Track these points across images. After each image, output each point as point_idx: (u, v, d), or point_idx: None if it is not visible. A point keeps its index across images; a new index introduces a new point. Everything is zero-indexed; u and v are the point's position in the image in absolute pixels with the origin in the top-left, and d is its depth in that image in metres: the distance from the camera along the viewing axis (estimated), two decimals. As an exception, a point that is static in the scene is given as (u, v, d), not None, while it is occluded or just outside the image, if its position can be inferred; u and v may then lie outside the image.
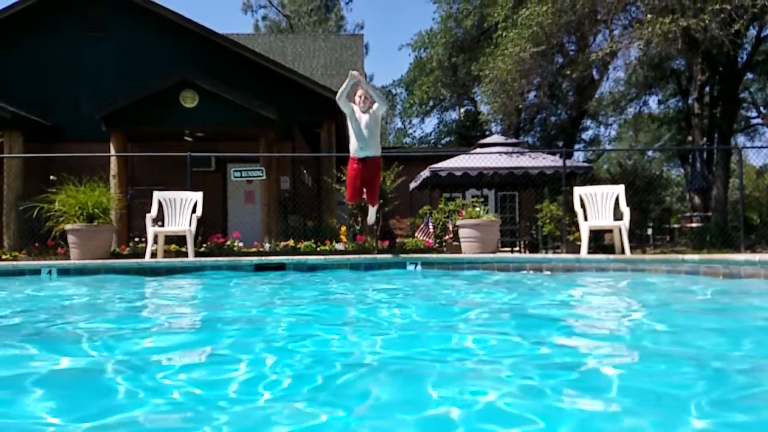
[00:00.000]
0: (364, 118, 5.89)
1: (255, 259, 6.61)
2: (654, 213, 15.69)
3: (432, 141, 31.67)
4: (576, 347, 2.20)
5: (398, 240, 9.70)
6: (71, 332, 2.57)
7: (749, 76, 20.19)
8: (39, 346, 2.16)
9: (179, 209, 7.97)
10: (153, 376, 1.71)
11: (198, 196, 8.00)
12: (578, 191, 8.16)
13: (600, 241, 9.74)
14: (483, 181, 13.27)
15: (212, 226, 10.20)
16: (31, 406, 1.45)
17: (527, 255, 10.11)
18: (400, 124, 37.17)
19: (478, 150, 12.79)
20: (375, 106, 5.84)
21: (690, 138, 18.14)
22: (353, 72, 5.81)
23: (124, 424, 1.31)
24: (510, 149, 12.82)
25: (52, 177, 8.78)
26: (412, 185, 13.17)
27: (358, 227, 9.45)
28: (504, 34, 14.47)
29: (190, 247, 7.64)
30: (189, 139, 11.67)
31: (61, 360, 1.94)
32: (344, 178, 10.21)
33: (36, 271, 6.10)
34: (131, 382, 1.64)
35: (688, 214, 15.99)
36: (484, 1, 18.83)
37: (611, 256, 6.60)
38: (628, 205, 7.82)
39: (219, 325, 2.76)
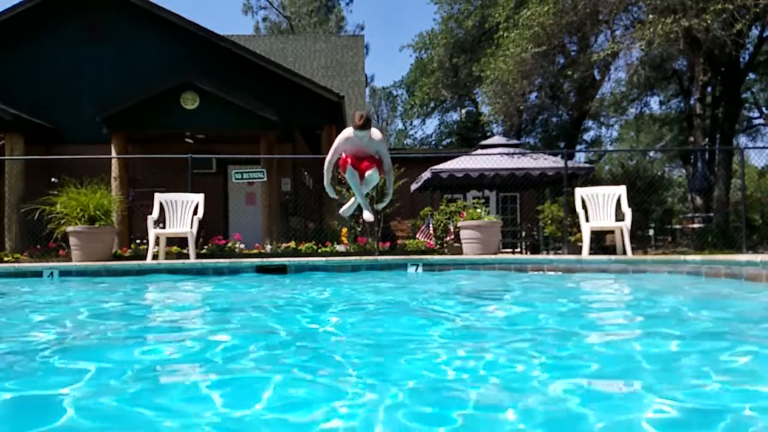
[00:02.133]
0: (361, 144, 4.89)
1: (256, 261, 6.60)
2: (655, 214, 15.64)
3: (433, 142, 31.70)
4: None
5: (399, 241, 9.70)
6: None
7: (751, 76, 20.16)
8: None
9: (180, 211, 7.98)
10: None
11: (199, 198, 8.01)
12: (579, 192, 8.15)
13: (601, 242, 9.72)
14: (484, 183, 13.24)
15: (213, 227, 10.20)
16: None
17: (529, 256, 10.09)
18: (400, 126, 37.18)
19: (479, 151, 12.77)
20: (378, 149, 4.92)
21: (692, 138, 18.10)
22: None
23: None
24: (511, 150, 12.79)
25: (53, 179, 8.79)
26: (413, 187, 13.16)
27: (359, 229, 9.45)
28: (505, 35, 14.45)
29: (191, 249, 7.64)
30: (190, 141, 11.68)
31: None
32: (345, 180, 10.23)
33: (38, 273, 6.11)
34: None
35: (689, 215, 15.95)
36: (485, 2, 18.82)
37: (613, 257, 6.59)
38: (629, 205, 7.80)
39: (227, 327, 2.76)
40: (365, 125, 4.64)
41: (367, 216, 5.26)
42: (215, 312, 3.41)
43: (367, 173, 4.89)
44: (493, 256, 7.19)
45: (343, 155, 5.04)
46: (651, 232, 15.57)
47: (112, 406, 1.46)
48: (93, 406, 1.45)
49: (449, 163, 12.42)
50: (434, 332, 2.53)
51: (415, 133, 35.18)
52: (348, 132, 4.85)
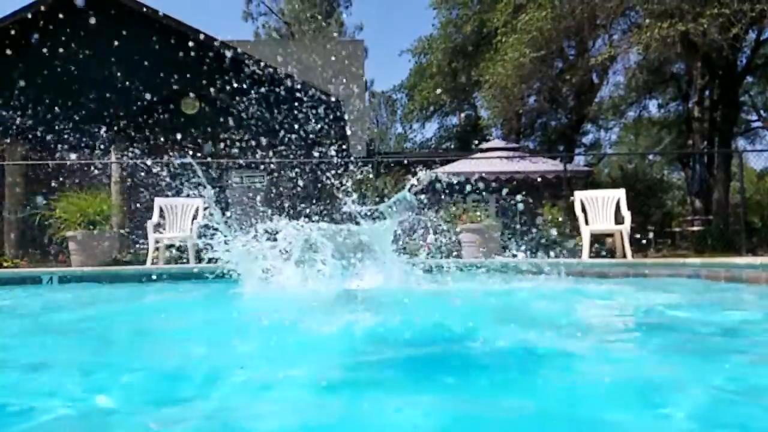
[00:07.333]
0: None
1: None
2: (655, 217, 15.66)
3: (432, 146, 31.75)
4: None
5: (399, 245, 9.69)
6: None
7: (749, 79, 20.22)
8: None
9: (180, 216, 7.98)
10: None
11: (199, 203, 8.01)
12: (579, 195, 8.16)
13: (601, 245, 9.72)
14: (484, 186, 13.28)
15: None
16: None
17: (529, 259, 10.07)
18: (400, 129, 37.29)
19: (478, 155, 12.82)
20: None
21: (690, 142, 18.15)
22: None
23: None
24: (511, 154, 12.84)
25: (53, 184, 8.80)
26: (413, 190, 13.18)
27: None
28: (503, 40, 14.51)
29: (191, 254, 7.64)
30: (190, 145, 11.70)
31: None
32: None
33: (37, 279, 6.10)
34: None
35: (689, 218, 15.97)
36: (483, 7, 18.91)
37: (612, 261, 6.60)
38: (629, 208, 7.81)
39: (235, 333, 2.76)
40: None
41: None
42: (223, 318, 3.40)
43: None
44: (492, 260, 7.19)
45: None
46: (651, 234, 15.59)
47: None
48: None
49: (449, 166, 12.45)
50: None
51: (415, 136, 35.25)
52: None
